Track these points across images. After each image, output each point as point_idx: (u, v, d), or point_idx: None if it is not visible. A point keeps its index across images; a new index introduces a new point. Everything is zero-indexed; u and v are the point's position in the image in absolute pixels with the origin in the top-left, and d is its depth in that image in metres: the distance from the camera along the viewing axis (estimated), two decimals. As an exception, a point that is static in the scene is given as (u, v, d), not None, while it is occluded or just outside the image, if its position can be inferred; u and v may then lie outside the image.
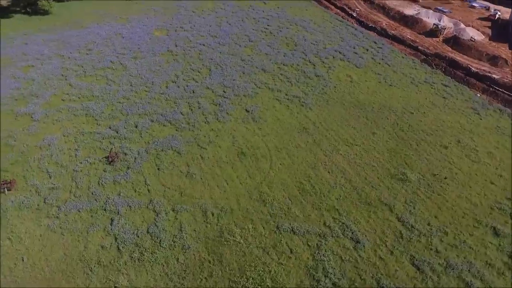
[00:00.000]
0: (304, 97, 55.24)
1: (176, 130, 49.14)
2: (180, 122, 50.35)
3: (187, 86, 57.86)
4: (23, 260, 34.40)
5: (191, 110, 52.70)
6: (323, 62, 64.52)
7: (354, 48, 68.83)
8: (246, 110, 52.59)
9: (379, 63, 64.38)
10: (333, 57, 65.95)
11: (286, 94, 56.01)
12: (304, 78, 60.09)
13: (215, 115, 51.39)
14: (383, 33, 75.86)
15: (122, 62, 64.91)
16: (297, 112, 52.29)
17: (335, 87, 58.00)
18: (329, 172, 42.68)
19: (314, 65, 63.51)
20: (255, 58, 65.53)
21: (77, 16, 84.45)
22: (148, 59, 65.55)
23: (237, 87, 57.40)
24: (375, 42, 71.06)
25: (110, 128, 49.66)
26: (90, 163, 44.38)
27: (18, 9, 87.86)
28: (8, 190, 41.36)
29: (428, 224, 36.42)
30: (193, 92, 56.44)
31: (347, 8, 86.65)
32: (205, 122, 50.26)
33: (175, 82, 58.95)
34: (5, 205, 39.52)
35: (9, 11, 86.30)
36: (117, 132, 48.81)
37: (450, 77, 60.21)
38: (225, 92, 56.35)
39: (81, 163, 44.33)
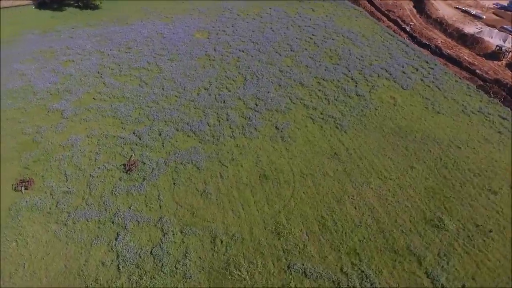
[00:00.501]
0: (340, 118, 51.20)
1: (200, 142, 46.97)
2: (205, 133, 48.15)
3: (218, 95, 55.61)
4: (24, 266, 33.64)
5: (219, 121, 50.34)
6: (366, 80, 59.88)
7: (402, 66, 63.46)
8: (276, 127, 49.44)
9: (429, 86, 58.75)
10: (378, 76, 61.06)
11: (321, 113, 52.22)
12: (343, 96, 55.91)
13: (242, 130, 48.68)
14: (437, 51, 69.66)
15: (158, 63, 63.86)
16: (330, 135, 48.41)
17: (376, 109, 53.36)
18: (355, 208, 38.68)
19: (356, 83, 59.06)
20: (294, 70, 62.10)
21: (125, 13, 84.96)
22: (184, 62, 64.06)
23: (270, 100, 54.36)
24: (427, 62, 65.17)
25: (134, 133, 48.42)
26: (108, 169, 43.24)
27: (72, 2, 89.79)
28: (25, 189, 41.03)
29: (463, 287, 31.57)
30: (224, 102, 54.06)
31: (400, 21, 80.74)
32: (230, 137, 47.70)
33: (207, 90, 56.88)
34: (20, 205, 39.15)
35: (63, 4, 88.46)
36: (140, 139, 47.44)
37: (510, 109, 53.59)
38: (257, 105, 53.50)
39: (99, 168, 43.32)
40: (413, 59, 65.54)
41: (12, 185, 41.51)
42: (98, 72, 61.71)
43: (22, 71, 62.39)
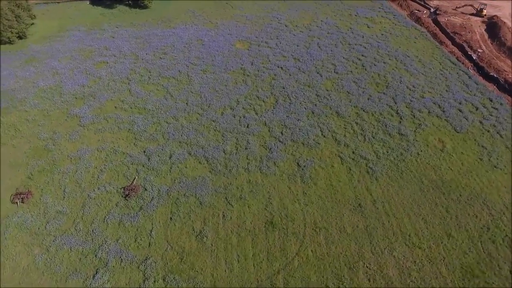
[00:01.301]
0: (374, 161, 44.57)
1: (210, 171, 42.77)
2: (218, 162, 43.89)
3: (244, 117, 51.09)
4: (-6, 295, 31.27)
5: (236, 149, 45.82)
6: (414, 115, 52.25)
7: (459, 103, 54.83)
8: (297, 163, 43.99)
9: (488, 131, 49.94)
10: (428, 112, 53.12)
11: (353, 152, 45.86)
12: (383, 133, 48.98)
13: (260, 163, 43.80)
14: (506, 88, 59.82)
15: (189, 73, 60.59)
16: (358, 180, 42.06)
17: (418, 154, 45.97)
18: (369, 280, 32.47)
19: (401, 118, 51.69)
20: (333, 96, 55.92)
21: (171, 14, 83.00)
22: (216, 75, 60.21)
23: (298, 130, 48.89)
24: (491, 100, 55.88)
25: (144, 152, 45.33)
26: (107, 191, 40.44)
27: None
28: (21, 202, 39.28)
29: None
30: (248, 126, 49.45)
31: (466, 47, 70.96)
32: (245, 170, 43.02)
33: (233, 110, 52.56)
34: (11, 220, 37.39)
35: (115, 1, 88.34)
36: (148, 159, 44.23)
37: None
38: (282, 134, 48.29)
39: (98, 188, 40.66)
40: (474, 95, 56.56)
41: (11, 195, 39.93)
42: (127, 78, 59.67)
43: (57, 69, 62.02)
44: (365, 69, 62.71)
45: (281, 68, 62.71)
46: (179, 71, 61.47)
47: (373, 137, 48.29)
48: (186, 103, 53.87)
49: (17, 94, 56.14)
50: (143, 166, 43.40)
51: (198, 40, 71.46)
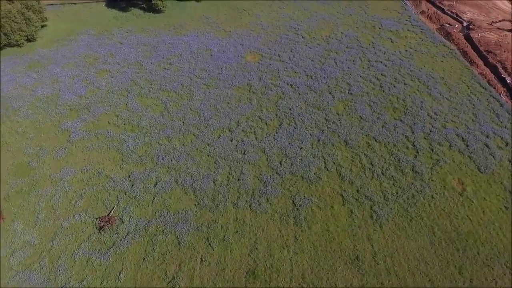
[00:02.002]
0: (380, 203, 39.50)
1: (195, 205, 38.98)
2: (205, 194, 40.01)
3: (241, 141, 47.01)
4: None
5: (228, 180, 41.80)
6: (432, 149, 46.61)
7: (487, 136, 48.64)
8: (293, 201, 39.54)
9: (518, 173, 43.78)
10: (450, 145, 47.28)
11: (358, 191, 40.92)
12: (394, 169, 43.71)
13: (251, 198, 39.62)
14: (544, 120, 52.98)
15: (192, 88, 57.01)
16: (359, 226, 37.17)
17: (432, 197, 40.51)
18: None
19: (417, 152, 46.17)
20: (343, 121, 50.93)
21: (184, 20, 79.76)
22: (220, 91, 56.34)
23: (300, 160, 44.35)
24: (525, 135, 49.44)
25: (128, 177, 42.08)
26: (82, 220, 37.38)
27: (140, 2, 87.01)
28: (-9, 228, 36.55)
29: None
30: (244, 153, 45.34)
31: (500, 68, 64.00)
32: (233, 205, 38.97)
33: (231, 132, 48.54)
34: (-24, 248, 34.64)
35: (131, 4, 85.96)
36: (132, 186, 40.91)
37: None
38: (281, 164, 43.87)
39: (74, 217, 37.67)
40: (505, 127, 50.24)
41: (-18, 219, 37.40)
42: (127, 90, 56.70)
43: (58, 77, 59.87)
44: (383, 91, 57.22)
45: (291, 85, 58.12)
46: (182, 84, 57.97)
47: (383, 174, 43.09)
48: (183, 122, 50.28)
49: (13, 103, 54.21)
50: (124, 193, 40.07)
51: (207, 50, 67.76)
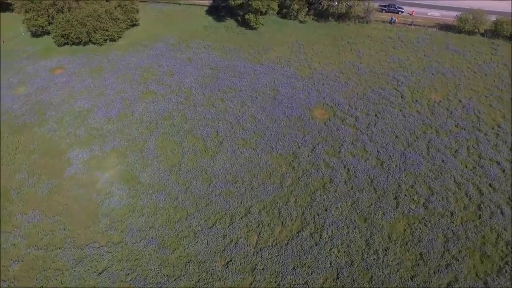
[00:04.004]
0: None
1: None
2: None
3: (234, 243, 35.95)
4: None
5: (183, 301, 30.49)
6: None
7: None
8: None
9: None
10: None
11: None
12: None
13: None
14: None
15: (224, 140, 46.80)
16: None
17: None
18: None
19: None
20: (390, 256, 34.50)
21: (274, 42, 69.11)
22: (254, 154, 45.10)
23: None
24: None
25: (79, 249, 34.12)
26: None
27: (240, 12, 78.12)
28: None
29: None
30: (227, 264, 33.95)
31: None
32: None
33: (231, 224, 37.34)
34: None
35: (231, 13, 78.07)
36: (76, 265, 32.82)
37: None
38: (264, 300, 30.70)
39: None
40: None
41: None
42: (156, 124, 49.69)
43: (106, 89, 56.06)
44: (479, 217, 37.93)
45: (348, 170, 43.07)
46: (217, 131, 48.09)
47: None
48: (186, 188, 40.91)
49: (48, 110, 51.48)
50: (59, 276, 32.16)
51: (274, 90, 55.97)
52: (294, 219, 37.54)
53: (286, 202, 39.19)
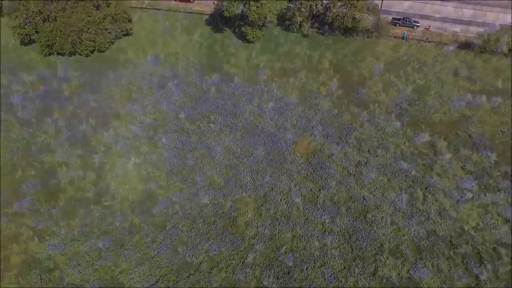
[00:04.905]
0: None
1: None
2: None
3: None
4: None
5: None
6: None
7: None
8: None
9: None
10: None
11: None
12: None
13: None
14: None
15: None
16: None
17: None
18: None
19: None
20: None
21: (268, 58, 63.60)
22: (219, 197, 39.38)
23: None
24: None
25: None
26: None
27: (241, 23, 71.99)
28: None
29: None
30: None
31: None
32: None
33: None
34: None
35: (229, 25, 72.46)
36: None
37: None
38: None
39: None
40: None
41: None
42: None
43: (58, 118, 52.22)
44: None
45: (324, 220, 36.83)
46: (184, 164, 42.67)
47: None
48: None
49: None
50: None
51: (259, 115, 50.36)
52: (249, 283, 32.03)
53: (244, 260, 33.71)
